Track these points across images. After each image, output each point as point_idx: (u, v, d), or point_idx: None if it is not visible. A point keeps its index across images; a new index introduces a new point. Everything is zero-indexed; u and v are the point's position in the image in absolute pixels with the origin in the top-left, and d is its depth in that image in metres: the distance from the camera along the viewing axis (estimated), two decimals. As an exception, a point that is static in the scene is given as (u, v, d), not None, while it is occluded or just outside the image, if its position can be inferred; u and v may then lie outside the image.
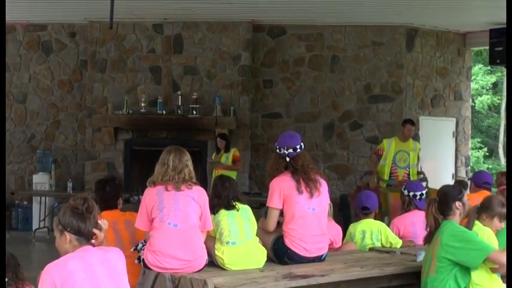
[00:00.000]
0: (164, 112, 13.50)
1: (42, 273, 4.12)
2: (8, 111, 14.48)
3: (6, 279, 4.25)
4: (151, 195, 5.68)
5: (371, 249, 6.95)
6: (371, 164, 12.32)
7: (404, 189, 7.52)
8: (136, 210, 5.96)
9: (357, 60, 14.07)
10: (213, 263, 5.89)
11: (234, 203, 6.05)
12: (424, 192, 7.45)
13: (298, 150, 6.28)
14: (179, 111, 13.45)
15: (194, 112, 13.39)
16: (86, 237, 4.20)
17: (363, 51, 14.07)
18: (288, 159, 6.23)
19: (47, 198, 13.85)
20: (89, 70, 14.01)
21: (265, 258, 6.01)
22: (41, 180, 13.81)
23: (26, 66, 14.53)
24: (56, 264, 4.13)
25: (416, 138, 13.11)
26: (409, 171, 11.60)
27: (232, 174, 12.01)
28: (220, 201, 6.04)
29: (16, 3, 12.57)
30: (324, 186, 6.30)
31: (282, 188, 6.15)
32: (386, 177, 11.59)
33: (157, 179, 5.73)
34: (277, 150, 6.30)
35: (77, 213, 4.19)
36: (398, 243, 7.10)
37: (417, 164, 11.87)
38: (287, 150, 6.25)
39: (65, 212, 4.22)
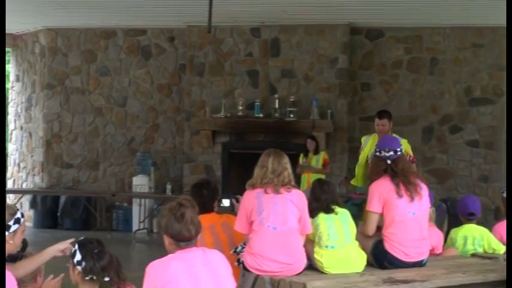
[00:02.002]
0: (261, 115, 13.53)
1: (146, 270, 4.17)
2: (109, 114, 14.76)
3: (108, 279, 4.29)
4: (250, 198, 5.69)
5: (473, 255, 6.80)
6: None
7: (503, 193, 7.32)
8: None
9: (457, 62, 13.81)
10: (311, 266, 5.86)
11: (333, 207, 6.01)
12: None
13: (399, 153, 6.20)
14: (276, 114, 13.45)
15: (291, 115, 13.37)
16: (183, 240, 4.22)
17: (463, 53, 13.80)
18: (389, 161, 6.16)
19: (146, 200, 14.06)
20: (187, 74, 14.16)
21: (364, 262, 5.95)
22: (140, 182, 14.03)
23: (126, 71, 14.79)
24: (159, 263, 4.17)
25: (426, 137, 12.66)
26: None
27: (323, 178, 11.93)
28: (319, 204, 6.00)
29: (116, 8, 12.83)
30: (424, 190, 6.21)
31: (381, 192, 6.08)
32: (359, 182, 9.23)
33: (257, 181, 5.73)
34: (377, 153, 6.23)
35: (173, 217, 4.23)
36: (501, 249, 6.91)
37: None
38: (388, 152, 6.18)
39: (163, 216, 4.27)
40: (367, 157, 8.93)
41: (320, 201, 6.01)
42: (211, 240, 5.93)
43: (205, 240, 5.90)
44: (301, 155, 12.49)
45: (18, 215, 4.51)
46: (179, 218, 4.21)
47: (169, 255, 4.22)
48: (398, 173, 6.13)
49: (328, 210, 5.99)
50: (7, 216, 4.45)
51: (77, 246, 4.34)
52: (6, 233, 4.40)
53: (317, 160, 12.36)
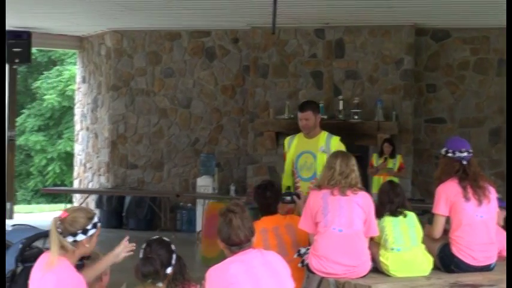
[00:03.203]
0: (325, 117, 13.45)
1: (206, 276, 4.19)
2: (173, 115, 14.86)
3: (173, 279, 4.32)
4: (316, 199, 5.67)
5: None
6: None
7: None
8: None
9: (525, 63, 13.56)
10: (376, 269, 5.81)
11: (401, 209, 5.94)
12: None
13: (472, 154, 6.11)
14: (340, 116, 13.38)
15: (355, 117, 13.28)
16: (233, 245, 4.23)
17: (532, 53, 13.54)
18: (464, 162, 6.05)
19: (210, 200, 14.11)
20: (251, 75, 14.17)
21: (431, 266, 5.87)
22: (204, 183, 14.08)
23: (190, 72, 14.87)
24: (218, 268, 4.20)
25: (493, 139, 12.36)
26: None
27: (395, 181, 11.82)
28: (391, 207, 5.93)
29: (181, 10, 12.91)
30: (493, 194, 6.10)
31: (448, 195, 5.99)
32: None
33: (324, 182, 5.71)
34: (450, 154, 6.12)
35: (223, 222, 4.25)
36: None
37: None
38: (462, 153, 6.08)
39: (218, 221, 4.30)
40: (292, 163, 7.36)
41: (393, 204, 5.95)
42: (275, 242, 5.92)
43: (269, 242, 5.89)
44: (375, 156, 12.40)
45: (96, 219, 4.57)
46: (228, 223, 4.24)
47: (228, 259, 4.25)
48: (469, 175, 6.03)
49: (396, 213, 5.93)
50: (85, 220, 4.51)
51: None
52: (84, 237, 4.46)
53: (394, 163, 12.26)
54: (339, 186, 5.66)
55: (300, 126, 7.42)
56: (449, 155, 6.14)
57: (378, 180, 11.96)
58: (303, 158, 7.32)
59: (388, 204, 5.94)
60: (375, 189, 11.76)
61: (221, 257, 6.08)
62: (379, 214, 5.88)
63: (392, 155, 12.28)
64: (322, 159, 7.03)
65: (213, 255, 6.55)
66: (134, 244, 4.66)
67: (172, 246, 4.37)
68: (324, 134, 7.46)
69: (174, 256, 4.31)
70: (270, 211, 6.14)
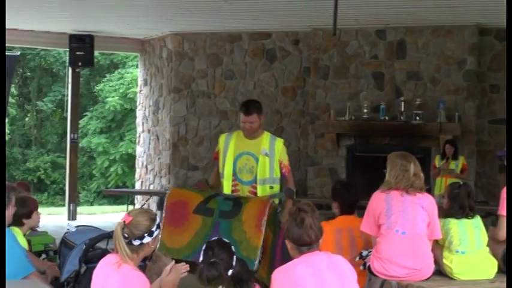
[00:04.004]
0: (387, 118, 13.37)
1: (272, 277, 4.19)
2: (234, 117, 14.88)
3: (236, 280, 4.32)
4: (379, 201, 5.62)
5: None
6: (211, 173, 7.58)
7: None
8: None
9: None
10: (439, 271, 5.73)
11: (469, 212, 5.85)
12: None
13: None
14: (402, 117, 13.27)
15: (417, 118, 13.16)
16: (303, 245, 4.22)
17: None
18: None
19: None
20: (312, 77, 14.14)
21: (495, 269, 5.78)
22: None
23: (251, 74, 14.89)
24: (285, 269, 4.19)
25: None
26: (257, 189, 6.80)
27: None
28: (461, 210, 5.84)
29: (241, 13, 12.94)
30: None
31: (514, 196, 5.89)
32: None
33: (393, 183, 5.65)
34: None
35: (293, 222, 4.24)
36: None
37: (282, 176, 6.99)
38: None
39: (287, 220, 4.30)
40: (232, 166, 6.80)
41: (463, 206, 5.87)
42: (347, 244, 5.89)
43: (342, 243, 5.86)
44: (437, 157, 12.29)
45: (158, 220, 4.61)
46: (299, 223, 4.24)
47: (294, 260, 4.24)
48: None
49: (464, 215, 5.84)
50: (149, 222, 4.54)
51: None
52: (150, 239, 4.50)
53: (456, 165, 12.13)
54: (403, 188, 5.60)
55: (243, 129, 6.86)
56: None
57: (440, 182, 11.86)
58: (242, 159, 6.85)
59: (457, 206, 5.85)
60: (437, 190, 11.64)
61: (186, 250, 5.79)
62: (446, 215, 5.81)
63: (455, 157, 12.15)
64: (263, 162, 6.75)
65: (175, 246, 6.04)
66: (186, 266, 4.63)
67: (232, 248, 4.37)
68: (267, 136, 6.97)
69: (234, 258, 4.31)
70: (348, 211, 6.11)
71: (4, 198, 5.42)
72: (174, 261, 4.70)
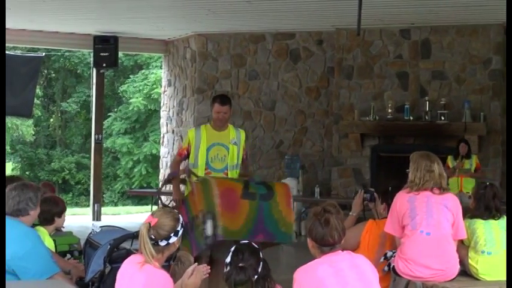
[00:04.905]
0: (411, 118, 13.31)
1: (294, 276, 4.18)
2: (258, 117, 14.90)
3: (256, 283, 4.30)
4: (402, 201, 5.59)
5: None
6: (171, 165, 8.44)
7: None
8: None
9: None
10: (464, 272, 5.70)
11: (495, 212, 5.81)
12: None
13: None
14: (426, 117, 13.21)
15: (442, 118, 13.09)
16: (326, 245, 4.21)
17: None
18: None
19: (295, 203, 14.07)
20: (336, 77, 14.11)
21: (521, 270, 5.73)
22: (289, 185, 14.03)
23: (274, 74, 14.88)
24: (307, 268, 4.19)
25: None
26: (228, 175, 7.64)
27: (469, 182, 11.64)
28: (484, 209, 5.80)
29: (265, 13, 12.94)
30: None
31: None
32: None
33: (413, 184, 5.62)
34: None
35: (317, 222, 4.23)
36: None
37: (243, 161, 7.76)
38: None
39: (310, 219, 4.29)
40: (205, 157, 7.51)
41: (489, 207, 5.83)
42: (375, 249, 5.87)
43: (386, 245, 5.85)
44: (450, 158, 12.22)
45: (181, 219, 4.63)
46: (323, 223, 4.23)
47: (316, 260, 4.23)
48: None
49: (490, 216, 5.80)
50: (174, 222, 4.56)
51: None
52: (176, 238, 4.52)
53: (470, 164, 12.07)
54: (428, 188, 5.58)
55: (216, 119, 7.62)
56: None
57: (456, 182, 11.78)
58: (214, 149, 7.58)
59: (485, 207, 5.82)
60: (452, 190, 11.55)
61: (244, 231, 6.60)
62: (472, 216, 5.77)
63: (468, 156, 12.09)
64: (233, 151, 7.57)
65: (235, 228, 6.68)
66: (207, 268, 4.64)
67: (261, 254, 4.35)
68: (232, 127, 7.75)
69: (261, 264, 4.30)
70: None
71: (4, 198, 5.45)
72: (196, 263, 4.71)
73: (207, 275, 4.59)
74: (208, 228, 6.69)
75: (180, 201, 7.45)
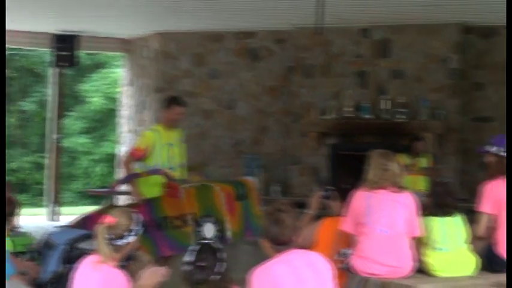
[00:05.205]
0: (370, 116, 13.40)
1: (251, 278, 4.18)
2: (218, 117, 14.89)
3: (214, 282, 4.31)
4: (359, 200, 5.63)
5: None
6: (124, 167, 8.36)
7: None
8: None
9: None
10: (420, 268, 5.75)
11: (450, 210, 5.87)
12: None
13: None
14: (385, 116, 13.30)
15: (401, 116, 13.20)
16: (280, 244, 4.23)
17: None
18: None
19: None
20: (296, 76, 14.14)
21: (476, 266, 5.80)
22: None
23: (235, 73, 14.88)
24: (263, 269, 4.19)
25: None
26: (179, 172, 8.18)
27: (423, 180, 11.74)
28: (438, 206, 5.86)
29: (226, 12, 12.94)
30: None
31: (494, 193, 5.94)
32: (152, 191, 7.72)
33: (369, 182, 5.67)
34: (502, 153, 6.04)
35: (270, 221, 4.24)
36: None
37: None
38: None
39: (264, 219, 4.30)
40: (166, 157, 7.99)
41: (442, 204, 5.88)
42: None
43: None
44: (404, 156, 12.29)
45: (138, 218, 4.63)
46: (277, 222, 4.24)
47: (272, 260, 4.24)
48: None
49: (444, 213, 5.86)
50: (130, 221, 4.58)
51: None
52: (131, 238, 4.52)
53: (424, 162, 12.18)
54: (384, 186, 5.62)
55: (174, 120, 8.13)
56: (503, 154, 6.06)
57: (411, 180, 11.85)
58: (169, 149, 8.11)
59: (439, 204, 5.88)
60: (408, 188, 11.61)
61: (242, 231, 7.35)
62: (428, 213, 5.83)
63: (421, 154, 12.19)
64: (181, 149, 8.31)
65: (237, 230, 7.71)
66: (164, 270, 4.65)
67: (221, 254, 4.36)
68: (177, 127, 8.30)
69: (222, 264, 4.31)
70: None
71: (4, 198, 5.41)
72: (152, 263, 4.70)
73: (165, 277, 4.59)
74: (208, 231, 7.31)
75: (142, 201, 7.53)
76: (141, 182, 7.87)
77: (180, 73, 15.08)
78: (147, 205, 7.42)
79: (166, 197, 7.52)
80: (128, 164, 8.05)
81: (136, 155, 7.99)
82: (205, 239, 7.22)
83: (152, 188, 7.74)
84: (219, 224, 7.46)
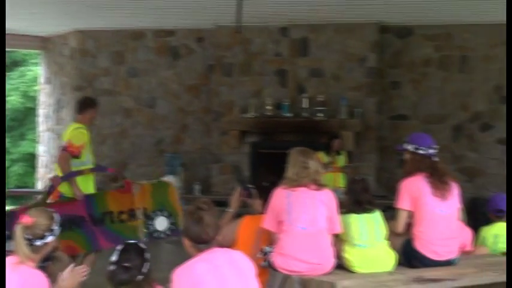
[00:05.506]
0: (290, 115, 13.51)
1: (172, 277, 4.18)
2: (138, 115, 14.81)
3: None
4: (279, 197, 5.66)
5: (504, 254, 6.73)
6: (63, 164, 8.28)
7: None
8: None
9: (487, 59, 13.70)
10: (340, 265, 5.83)
11: (367, 206, 5.96)
12: None
13: (436, 150, 6.18)
14: (305, 114, 13.43)
15: (320, 115, 13.34)
16: (202, 243, 4.24)
17: (494, 50, 13.68)
18: (435, 159, 6.12)
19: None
20: (216, 74, 14.17)
21: (394, 262, 5.91)
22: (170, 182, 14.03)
23: (155, 72, 14.82)
24: (184, 268, 4.19)
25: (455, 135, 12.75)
26: None
27: (342, 178, 11.91)
28: (358, 204, 5.95)
29: (145, 10, 12.87)
30: (455, 189, 6.16)
31: (411, 190, 6.05)
32: (87, 186, 8.28)
33: (289, 180, 5.71)
34: (421, 151, 6.15)
35: (191, 220, 4.25)
36: (533, 247, 6.84)
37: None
38: (432, 149, 6.15)
39: (184, 218, 4.31)
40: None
41: (360, 201, 5.97)
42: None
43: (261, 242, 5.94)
44: (322, 154, 12.42)
45: (57, 218, 4.59)
46: (197, 220, 4.24)
47: (193, 259, 4.24)
48: (438, 171, 6.10)
49: (361, 210, 5.95)
50: (49, 221, 4.53)
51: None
52: (51, 237, 4.49)
53: (341, 160, 12.34)
54: (303, 183, 5.67)
55: (92, 121, 8.75)
56: (420, 152, 6.17)
57: (330, 177, 11.98)
58: (90, 147, 8.56)
59: (355, 201, 5.96)
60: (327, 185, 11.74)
61: None
62: (346, 210, 5.91)
63: (339, 152, 12.37)
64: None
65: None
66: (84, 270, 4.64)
67: (147, 255, 4.33)
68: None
69: (146, 264, 4.29)
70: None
71: (4, 198, 5.30)
72: (73, 264, 4.67)
73: (85, 277, 4.56)
74: (160, 224, 7.93)
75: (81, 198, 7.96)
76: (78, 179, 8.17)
77: (99, 71, 14.95)
78: (85, 201, 7.84)
79: (115, 193, 8.11)
80: (66, 161, 8.14)
81: (74, 152, 8.17)
82: (157, 231, 7.94)
83: (86, 184, 8.25)
84: (173, 217, 7.99)
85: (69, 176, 8.06)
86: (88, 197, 8.01)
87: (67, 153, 8.21)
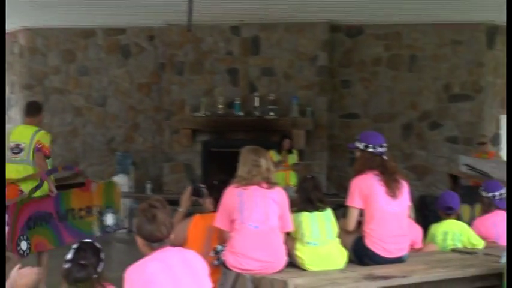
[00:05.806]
0: (241, 113, 13.54)
1: (124, 275, 4.17)
2: (89, 114, 14.71)
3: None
4: (231, 196, 5.67)
5: (453, 250, 6.84)
6: (42, 163, 8.57)
7: (483, 190, 7.36)
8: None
9: (436, 59, 13.88)
10: (292, 263, 5.86)
11: (318, 204, 6.00)
12: (503, 191, 7.28)
13: (386, 148, 6.24)
14: (256, 113, 13.47)
15: (271, 113, 13.40)
16: (155, 241, 4.23)
17: (442, 50, 13.86)
18: (385, 157, 6.18)
19: (126, 199, 13.98)
20: (167, 73, 14.14)
21: (345, 259, 5.96)
22: (120, 181, 13.93)
23: (105, 70, 14.74)
24: (137, 267, 4.18)
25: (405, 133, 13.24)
26: None
27: (294, 176, 11.98)
28: (309, 202, 5.98)
29: (96, 8, 12.79)
30: (405, 187, 6.23)
31: (362, 188, 6.09)
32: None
33: (241, 179, 5.73)
34: (371, 149, 6.20)
35: (144, 218, 4.24)
36: (480, 244, 6.96)
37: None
38: (382, 148, 6.20)
39: (136, 217, 4.30)
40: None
41: (311, 199, 5.99)
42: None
43: (212, 241, 5.94)
44: (272, 153, 12.46)
45: (7, 218, 4.55)
46: (150, 219, 4.22)
47: (146, 258, 4.22)
48: (388, 169, 6.15)
49: (312, 208, 5.98)
50: None
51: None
52: None
53: (292, 158, 12.42)
54: (255, 182, 5.69)
55: (43, 125, 9.23)
56: (370, 149, 6.21)
57: (281, 176, 12.02)
58: None
59: (306, 199, 5.99)
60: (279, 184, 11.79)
61: None
62: (297, 209, 5.94)
63: (290, 151, 12.45)
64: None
65: None
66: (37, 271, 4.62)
67: (102, 254, 4.32)
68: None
69: (101, 264, 4.27)
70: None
71: (4, 197, 5.21)
72: (19, 264, 4.63)
73: (38, 276, 4.53)
74: (109, 220, 8.64)
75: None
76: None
77: (49, 70, 14.81)
78: (55, 199, 8.24)
79: (77, 191, 8.58)
80: (43, 160, 8.54)
81: (45, 153, 8.60)
82: (107, 226, 8.66)
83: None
84: (118, 214, 8.84)
85: (51, 172, 8.52)
86: (57, 194, 8.40)
87: (43, 154, 8.61)
